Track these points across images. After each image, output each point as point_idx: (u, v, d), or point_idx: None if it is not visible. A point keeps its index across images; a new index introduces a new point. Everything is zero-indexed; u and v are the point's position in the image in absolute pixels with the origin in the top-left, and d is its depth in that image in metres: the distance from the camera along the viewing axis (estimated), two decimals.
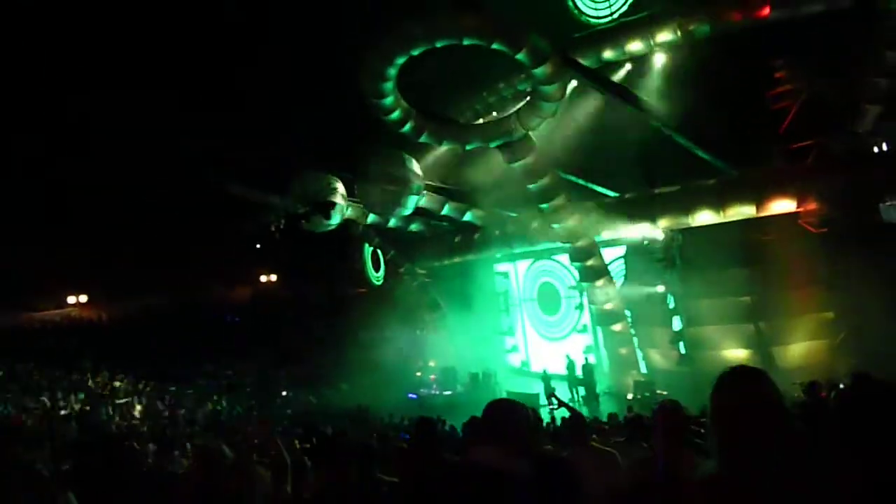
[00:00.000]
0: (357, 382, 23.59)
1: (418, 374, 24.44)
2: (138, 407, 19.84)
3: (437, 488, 2.87)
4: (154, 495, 5.43)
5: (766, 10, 18.03)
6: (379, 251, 25.27)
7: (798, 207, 16.84)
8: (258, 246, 26.12)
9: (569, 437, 5.75)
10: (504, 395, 20.06)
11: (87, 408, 18.29)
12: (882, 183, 16.46)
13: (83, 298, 30.52)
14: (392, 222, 22.87)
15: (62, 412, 17.67)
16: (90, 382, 20.77)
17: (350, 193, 21.40)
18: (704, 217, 17.71)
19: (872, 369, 9.09)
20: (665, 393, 17.50)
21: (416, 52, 16.18)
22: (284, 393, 21.91)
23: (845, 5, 17.73)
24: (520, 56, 15.44)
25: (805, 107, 17.66)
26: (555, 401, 7.45)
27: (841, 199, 16.37)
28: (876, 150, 17.99)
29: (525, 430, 2.81)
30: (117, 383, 21.23)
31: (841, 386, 11.41)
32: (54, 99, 24.95)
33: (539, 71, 15.69)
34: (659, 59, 19.70)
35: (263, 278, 31.38)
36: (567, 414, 8.04)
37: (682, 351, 18.55)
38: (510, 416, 2.80)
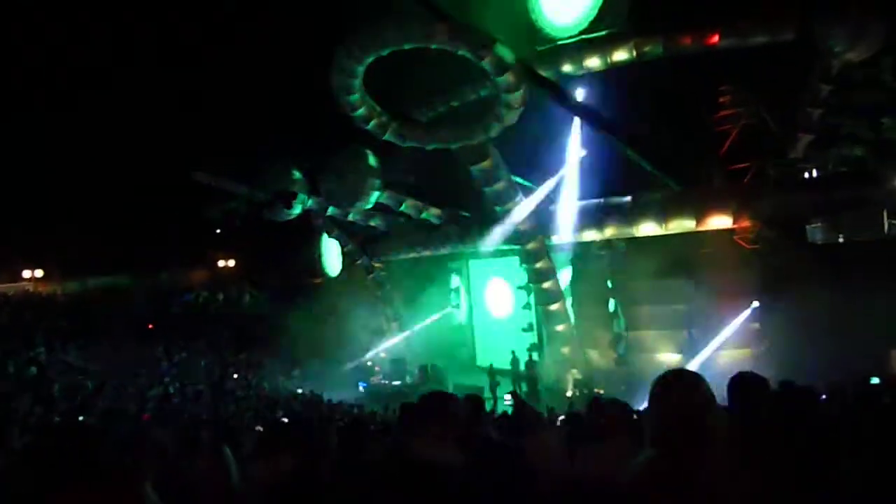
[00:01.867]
0: (309, 370, 24.09)
1: (369, 364, 25.04)
2: (89, 385, 19.91)
3: (375, 479, 2.97)
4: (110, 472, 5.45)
5: (716, 38, 19.21)
6: (337, 243, 25.77)
7: (734, 224, 18.01)
8: (218, 231, 26.36)
9: (521, 428, 6.36)
10: (451, 388, 20.88)
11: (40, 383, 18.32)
12: (809, 206, 17.80)
13: (38, 273, 30.14)
14: (351, 215, 23.44)
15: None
16: (42, 358, 20.73)
17: (312, 185, 21.92)
18: (648, 228, 18.75)
19: (791, 377, 10.15)
20: (602, 391, 18.56)
21: (384, 53, 16.85)
22: (236, 376, 22.22)
23: (788, 39, 19.05)
24: (484, 64, 16.25)
25: (745, 131, 18.85)
26: (508, 396, 8.06)
27: (772, 219, 17.61)
28: (806, 175, 19.37)
29: (459, 421, 2.90)
30: (68, 360, 21.23)
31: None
32: (15, 78, 24.74)
33: (502, 79, 16.52)
34: (614, 76, 20.73)
35: (221, 263, 31.51)
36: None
37: (621, 352, 19.66)
38: (444, 407, 2.89)
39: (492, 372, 21.34)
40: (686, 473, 2.25)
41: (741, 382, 3.98)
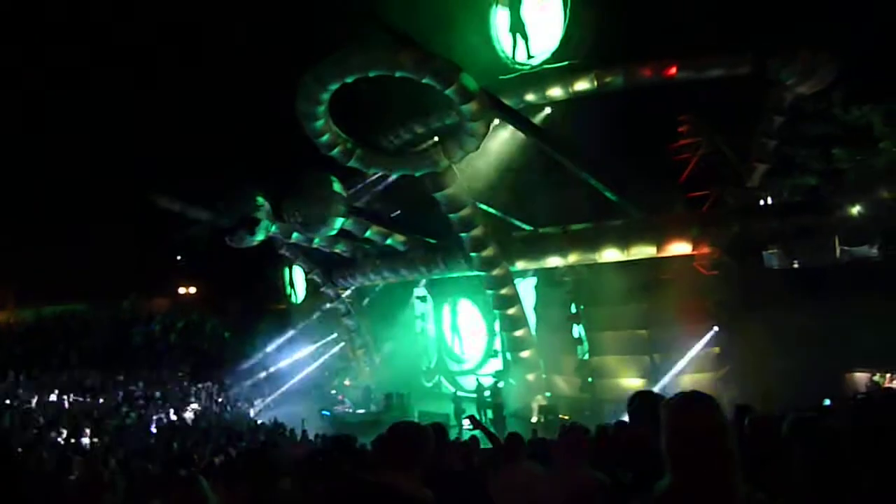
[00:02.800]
0: (273, 398, 23.71)
1: (333, 392, 24.73)
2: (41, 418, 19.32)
3: None
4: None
5: (674, 70, 19.84)
6: (301, 269, 25.57)
7: (693, 250, 18.38)
8: (179, 258, 25.98)
9: (501, 456, 6.33)
10: (416, 416, 20.71)
11: None
12: (766, 233, 18.28)
13: None
14: (316, 242, 23.31)
15: None
16: None
17: (276, 211, 21.77)
18: (610, 254, 19.01)
19: (750, 401, 10.32)
20: (567, 417, 18.60)
21: (349, 80, 16.93)
22: (196, 406, 21.74)
23: (743, 73, 19.74)
24: (448, 92, 16.43)
25: (703, 160, 19.34)
26: (470, 424, 7.95)
27: (730, 245, 18.03)
28: (762, 203, 19.92)
29: (429, 453, 2.91)
30: (20, 390, 20.60)
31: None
32: None
33: (466, 107, 16.71)
34: (576, 106, 21.20)
35: (183, 290, 30.97)
36: (480, 434, 8.65)
37: (585, 378, 19.76)
38: (415, 439, 2.90)
39: (456, 399, 21.24)
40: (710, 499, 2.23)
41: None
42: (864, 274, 16.94)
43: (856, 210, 17.18)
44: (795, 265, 18.83)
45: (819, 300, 15.31)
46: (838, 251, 18.03)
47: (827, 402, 11.64)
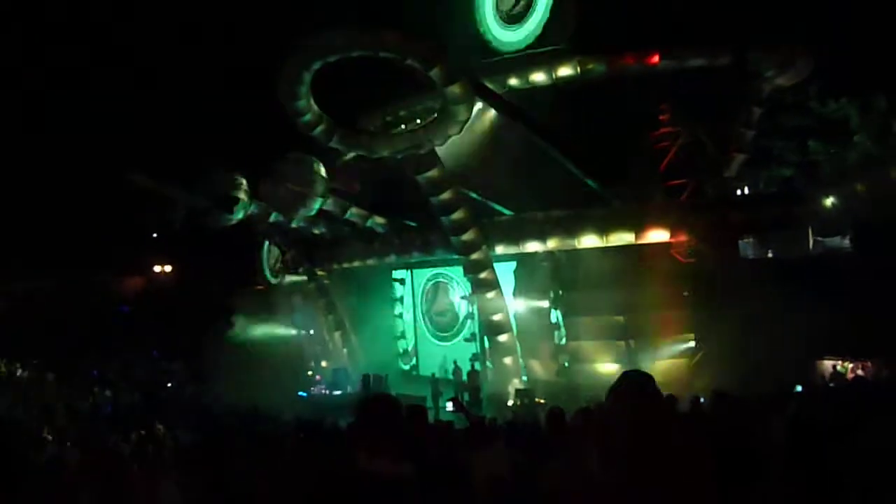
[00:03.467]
0: (248, 379, 23.54)
1: (310, 373, 24.68)
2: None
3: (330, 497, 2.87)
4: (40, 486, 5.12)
5: (656, 59, 19.94)
6: (279, 250, 25.38)
7: (671, 238, 18.58)
8: (155, 236, 25.62)
9: (473, 440, 6.38)
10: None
11: None
12: (742, 223, 18.54)
13: None
14: (295, 223, 23.14)
15: None
16: None
17: (255, 191, 21.56)
18: (589, 241, 19.13)
19: (724, 386, 10.53)
20: (543, 401, 18.79)
21: (332, 60, 16.79)
22: (170, 385, 21.57)
23: (724, 63, 19.91)
24: (432, 74, 16.37)
25: (683, 149, 19.50)
26: (452, 405, 8.01)
27: (707, 234, 18.25)
28: (739, 192, 20.19)
29: (405, 432, 2.86)
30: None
31: (701, 400, 13.00)
32: None
33: (449, 90, 16.67)
34: (559, 92, 21.21)
35: (158, 269, 30.53)
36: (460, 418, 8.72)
37: (562, 363, 19.95)
38: (393, 418, 2.83)
39: (434, 382, 21.33)
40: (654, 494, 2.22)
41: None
42: (836, 264, 17.33)
43: (829, 202, 17.49)
44: (770, 255, 19.18)
45: (792, 289, 15.61)
46: (812, 242, 18.40)
47: (798, 388, 11.94)
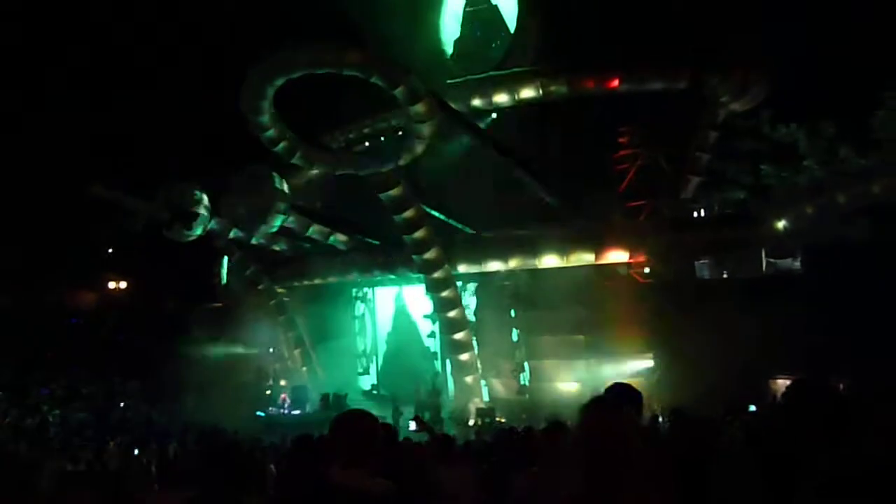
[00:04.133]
0: (204, 398, 23.05)
1: (268, 392, 24.26)
2: None
3: None
4: None
5: (616, 82, 20.40)
6: (239, 266, 25.01)
7: (630, 259, 18.92)
8: (110, 250, 24.99)
9: (437, 456, 6.37)
10: None
11: None
12: (698, 243, 18.99)
13: None
14: (255, 239, 22.86)
15: None
16: None
17: (216, 206, 21.26)
18: (550, 261, 19.36)
19: (680, 405, 10.71)
20: (503, 420, 18.83)
21: (296, 75, 16.76)
22: (123, 404, 20.98)
23: (681, 87, 20.48)
24: (396, 92, 16.45)
25: (641, 171, 19.93)
26: (415, 424, 8.00)
27: (665, 255, 18.64)
28: (695, 214, 20.69)
29: (381, 447, 2.83)
30: None
31: (659, 419, 13.20)
32: None
33: (413, 109, 16.76)
34: (522, 114, 21.53)
35: (112, 284, 29.72)
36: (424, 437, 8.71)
37: (523, 381, 20.05)
38: (366, 432, 2.79)
39: (395, 400, 21.20)
40: None
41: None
42: (787, 285, 17.84)
43: (781, 224, 18.02)
44: (725, 276, 19.64)
45: (746, 310, 16.00)
46: (764, 263, 18.91)
47: (752, 407, 12.21)
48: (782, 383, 16.05)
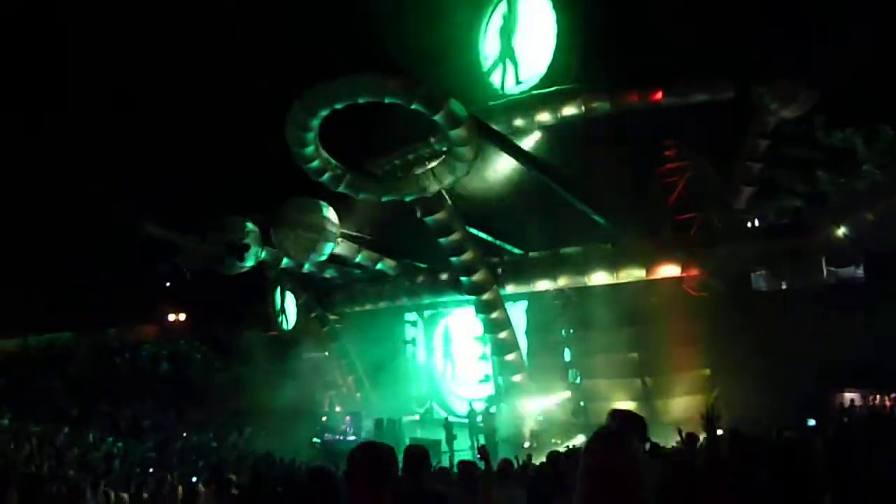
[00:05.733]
0: (261, 426, 23.41)
1: (324, 419, 24.46)
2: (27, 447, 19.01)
3: None
4: None
5: (660, 95, 20.14)
6: (292, 295, 25.47)
7: (682, 273, 18.48)
8: (168, 284, 25.75)
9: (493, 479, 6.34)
10: (406, 442, 20.53)
11: None
12: (753, 256, 18.42)
13: None
14: (306, 267, 23.26)
15: None
16: None
17: (266, 237, 21.74)
18: (600, 278, 19.08)
19: (740, 421, 10.37)
20: (559, 442, 18.51)
21: (339, 106, 17.08)
22: (185, 434, 21.45)
23: (728, 97, 20.07)
24: (437, 118, 16.59)
25: (691, 184, 19.54)
26: (479, 454, 8.03)
27: (718, 268, 18.15)
28: (749, 225, 20.12)
29: (393, 474, 2.84)
30: (5, 421, 20.29)
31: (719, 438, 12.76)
32: None
33: (454, 133, 16.87)
34: (566, 130, 21.42)
35: (172, 317, 30.67)
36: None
37: (577, 402, 19.70)
38: (378, 462, 2.81)
39: (448, 425, 21.08)
40: None
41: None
42: (850, 294, 17.14)
43: (840, 232, 17.37)
44: (783, 286, 19.00)
45: (806, 320, 15.41)
46: (825, 272, 18.23)
47: (811, 422, 11.74)
48: (848, 397, 15.40)
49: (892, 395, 15.64)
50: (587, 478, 2.23)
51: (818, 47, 19.18)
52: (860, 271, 17.91)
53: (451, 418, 21.99)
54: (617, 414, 3.90)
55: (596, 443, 2.30)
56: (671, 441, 11.80)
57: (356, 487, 2.75)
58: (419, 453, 4.69)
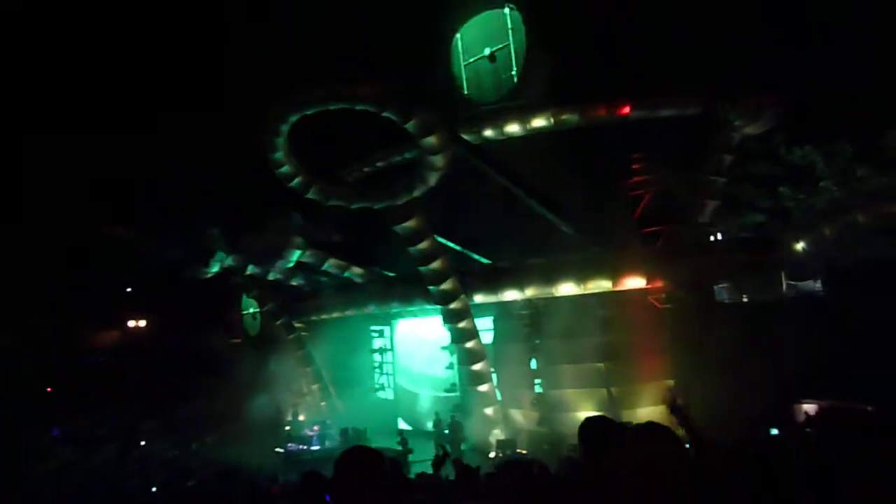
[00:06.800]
0: (224, 435, 23.02)
1: (287, 428, 24.17)
2: None
3: None
4: None
5: (627, 109, 20.45)
6: (257, 302, 25.16)
7: (647, 285, 18.73)
8: (129, 290, 25.29)
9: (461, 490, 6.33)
10: None
11: None
12: (716, 268, 18.77)
13: None
14: (272, 275, 23.03)
15: None
16: None
17: (232, 244, 21.50)
18: (567, 288, 19.23)
19: (703, 431, 10.51)
20: (525, 451, 18.57)
21: (309, 112, 17.02)
22: (144, 443, 20.98)
23: (694, 113, 20.48)
24: (409, 126, 16.63)
25: (656, 197, 19.82)
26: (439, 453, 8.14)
27: (683, 280, 18.43)
28: (713, 239, 20.52)
29: (384, 479, 2.83)
30: None
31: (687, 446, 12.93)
32: None
33: (426, 141, 16.93)
34: (536, 142, 21.59)
35: (132, 323, 30.01)
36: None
37: (543, 412, 19.78)
38: (371, 469, 2.79)
39: (403, 437, 20.85)
40: None
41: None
42: (809, 307, 17.56)
43: (800, 246, 17.80)
44: (745, 299, 19.38)
45: (767, 333, 15.75)
46: (784, 285, 18.65)
47: (774, 431, 11.98)
48: (808, 407, 15.74)
49: (850, 406, 16.00)
50: (635, 473, 2.25)
51: (782, 66, 19.74)
52: (818, 285, 18.36)
53: (419, 427, 21.91)
54: (593, 422, 3.96)
55: (641, 438, 2.34)
56: None
57: (346, 491, 2.73)
58: (393, 464, 4.69)
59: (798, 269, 18.26)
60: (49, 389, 23.86)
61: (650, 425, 2.48)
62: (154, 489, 14.87)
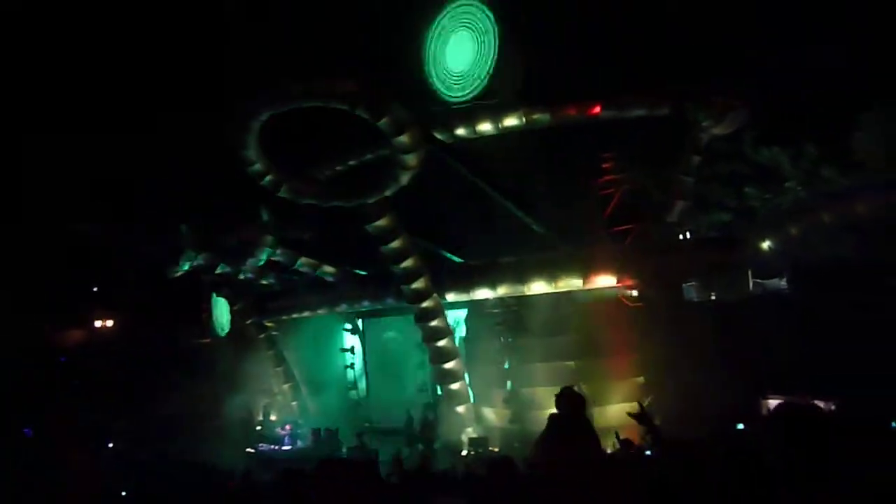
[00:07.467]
0: (194, 436, 22.69)
1: (258, 428, 23.96)
2: None
3: None
4: None
5: (598, 109, 20.61)
6: (226, 301, 24.87)
7: (617, 283, 18.94)
8: (95, 289, 24.81)
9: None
10: (344, 452, 20.34)
11: None
12: (685, 266, 19.05)
13: None
14: (243, 273, 22.81)
15: None
16: None
17: (201, 241, 21.23)
18: (538, 287, 19.34)
19: (673, 427, 10.67)
20: (497, 450, 18.66)
21: (281, 110, 16.91)
22: (111, 445, 20.62)
23: (664, 113, 20.71)
24: (381, 124, 16.60)
25: (626, 196, 20.02)
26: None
27: (652, 278, 18.67)
28: (682, 238, 20.82)
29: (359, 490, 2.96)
30: None
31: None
32: None
33: (398, 140, 16.89)
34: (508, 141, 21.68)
35: (99, 323, 29.44)
36: None
37: (514, 410, 19.89)
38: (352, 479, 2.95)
39: (360, 438, 20.78)
40: None
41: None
42: (776, 305, 17.91)
43: (766, 245, 18.14)
44: (713, 297, 19.70)
45: (734, 330, 16.04)
46: (751, 284, 18.99)
47: (740, 426, 12.29)
48: (774, 402, 16.06)
49: (813, 401, 16.39)
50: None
51: (750, 68, 20.09)
52: (784, 283, 18.73)
53: (392, 426, 21.87)
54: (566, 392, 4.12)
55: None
56: (609, 446, 12.08)
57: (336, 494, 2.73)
58: (367, 466, 4.72)
59: (764, 267, 18.61)
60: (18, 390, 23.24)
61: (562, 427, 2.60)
62: (123, 493, 14.61)
